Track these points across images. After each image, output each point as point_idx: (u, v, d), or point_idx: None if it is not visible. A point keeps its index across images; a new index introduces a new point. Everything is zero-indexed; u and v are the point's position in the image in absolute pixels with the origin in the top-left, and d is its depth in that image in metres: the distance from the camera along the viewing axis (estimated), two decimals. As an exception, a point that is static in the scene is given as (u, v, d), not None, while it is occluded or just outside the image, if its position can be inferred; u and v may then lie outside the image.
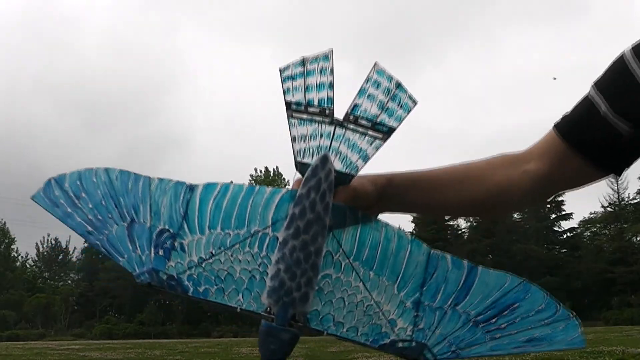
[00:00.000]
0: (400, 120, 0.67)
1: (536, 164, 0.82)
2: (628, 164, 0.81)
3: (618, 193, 39.00)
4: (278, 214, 0.67)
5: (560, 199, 38.74)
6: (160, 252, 0.69)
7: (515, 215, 40.33)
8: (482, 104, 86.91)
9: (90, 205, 0.73)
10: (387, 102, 0.67)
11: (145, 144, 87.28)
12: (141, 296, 40.04)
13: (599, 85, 0.79)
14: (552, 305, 0.64)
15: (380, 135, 0.67)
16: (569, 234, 40.33)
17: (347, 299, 0.66)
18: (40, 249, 49.81)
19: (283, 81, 0.70)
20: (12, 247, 48.44)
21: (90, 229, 0.73)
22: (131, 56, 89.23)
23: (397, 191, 0.76)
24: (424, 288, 0.66)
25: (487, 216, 0.93)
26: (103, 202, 0.72)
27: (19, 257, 50.20)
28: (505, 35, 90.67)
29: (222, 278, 0.67)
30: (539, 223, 39.71)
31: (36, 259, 50.38)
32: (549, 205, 38.99)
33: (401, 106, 0.67)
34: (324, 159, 0.66)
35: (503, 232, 39.97)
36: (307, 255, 0.63)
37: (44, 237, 50.75)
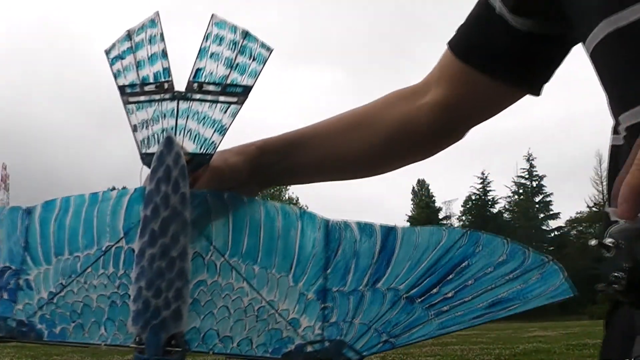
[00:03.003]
0: (255, 75, 0.55)
1: (434, 92, 0.69)
2: (545, 78, 0.67)
3: (603, 194, 40.76)
4: (129, 220, 0.54)
5: (548, 199, 40.64)
6: (5, 295, 0.56)
7: (505, 215, 42.16)
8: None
9: None
10: (236, 57, 0.55)
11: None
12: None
13: None
14: (518, 253, 0.44)
15: (234, 99, 0.55)
16: (556, 233, 42.11)
17: (232, 305, 0.51)
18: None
19: (111, 64, 0.58)
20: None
21: None
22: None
23: (274, 158, 0.64)
24: (329, 270, 0.50)
25: (393, 165, 0.73)
26: None
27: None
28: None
29: (79, 312, 0.54)
30: (528, 222, 41.43)
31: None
32: (537, 205, 40.82)
33: (254, 58, 0.55)
34: (169, 142, 0.53)
35: (494, 230, 40.77)
36: (170, 262, 0.50)
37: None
